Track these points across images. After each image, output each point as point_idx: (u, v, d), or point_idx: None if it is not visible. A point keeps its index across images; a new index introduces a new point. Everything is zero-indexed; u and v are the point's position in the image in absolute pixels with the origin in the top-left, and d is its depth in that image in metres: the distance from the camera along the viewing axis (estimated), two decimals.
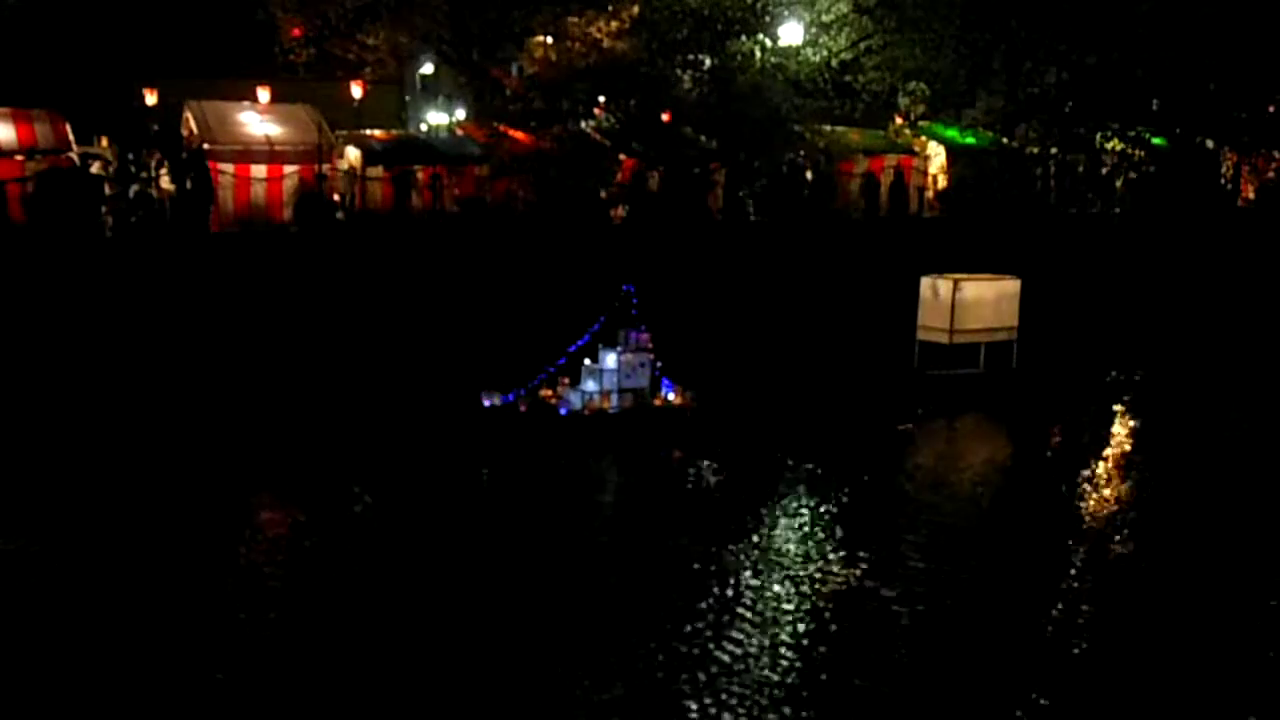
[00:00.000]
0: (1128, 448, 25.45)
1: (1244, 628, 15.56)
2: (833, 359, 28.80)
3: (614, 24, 33.05)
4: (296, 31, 36.56)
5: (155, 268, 25.55)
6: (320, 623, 15.29)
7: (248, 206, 29.21)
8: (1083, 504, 20.97)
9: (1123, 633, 15.33)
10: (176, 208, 28.02)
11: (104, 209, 27.15)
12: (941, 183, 37.57)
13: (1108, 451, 24.85)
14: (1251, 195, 42.10)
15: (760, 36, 34.31)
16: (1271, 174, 41.80)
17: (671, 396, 24.71)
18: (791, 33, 34.36)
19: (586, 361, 24.27)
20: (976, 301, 28.73)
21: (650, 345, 24.47)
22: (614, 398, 23.98)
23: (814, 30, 35.33)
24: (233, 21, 37.50)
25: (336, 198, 30.40)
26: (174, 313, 24.87)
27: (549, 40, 35.00)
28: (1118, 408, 28.41)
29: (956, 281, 28.65)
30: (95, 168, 28.30)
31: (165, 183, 28.43)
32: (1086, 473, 22.80)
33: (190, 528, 18.57)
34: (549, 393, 24.00)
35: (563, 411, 23.71)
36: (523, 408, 23.65)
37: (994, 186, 36.33)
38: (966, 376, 28.44)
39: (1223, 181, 41.58)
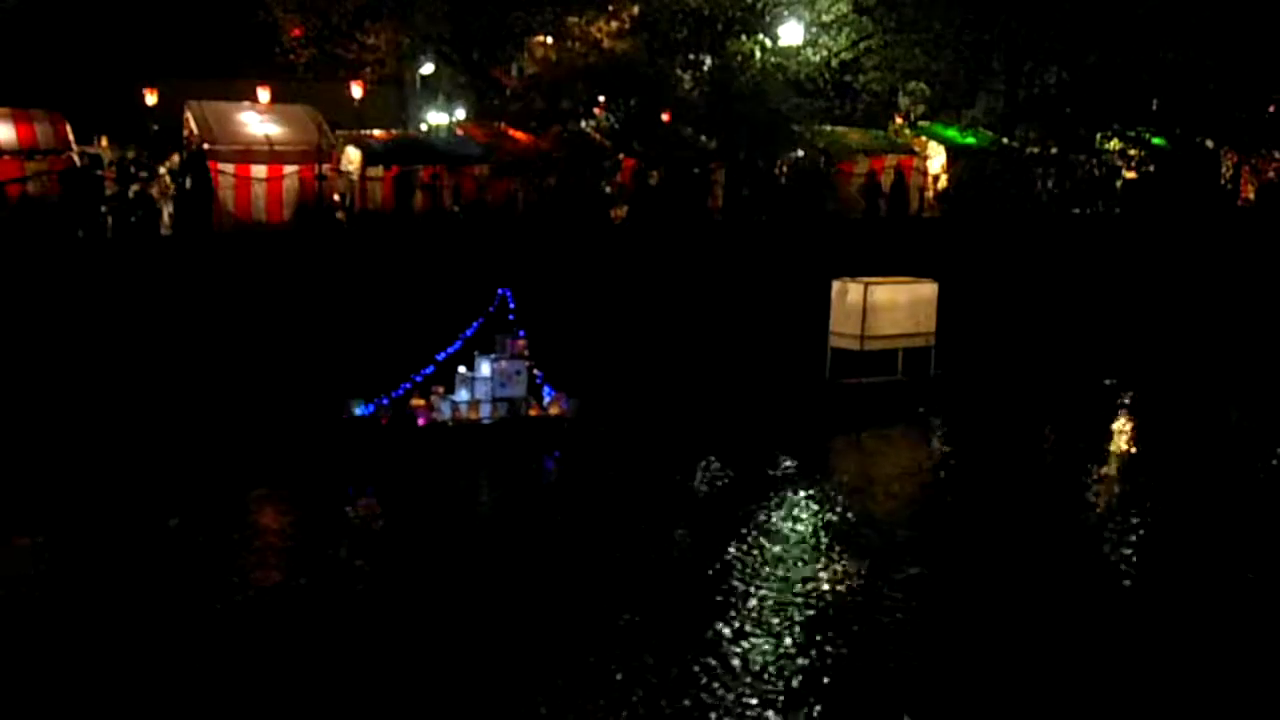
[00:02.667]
0: (1055, 459, 24.23)
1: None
2: (745, 368, 27.36)
3: (614, 24, 33.05)
4: (297, 31, 36.53)
5: (154, 268, 25.55)
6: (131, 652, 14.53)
7: (248, 206, 29.21)
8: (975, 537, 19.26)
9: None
10: (177, 207, 28.02)
11: (104, 209, 27.13)
12: (942, 183, 37.59)
13: (1018, 468, 23.37)
14: (1251, 195, 42.15)
15: (760, 36, 34.30)
16: (1271, 174, 41.85)
17: (548, 406, 23.26)
18: (791, 33, 34.34)
19: (460, 369, 23.03)
20: (890, 306, 27.22)
21: (527, 352, 23.13)
22: (484, 408, 22.76)
23: (814, 30, 35.32)
24: (233, 21, 37.51)
25: (337, 198, 30.38)
26: (162, 313, 24.69)
27: (549, 40, 35.01)
28: (1050, 415, 27.34)
29: (867, 285, 27.13)
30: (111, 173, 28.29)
31: (166, 182, 28.42)
32: (983, 498, 21.35)
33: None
34: (422, 402, 22.65)
35: (421, 422, 22.32)
36: (384, 419, 22.28)
37: (994, 186, 36.31)
38: (879, 385, 26.99)
39: (1223, 181, 41.61)
